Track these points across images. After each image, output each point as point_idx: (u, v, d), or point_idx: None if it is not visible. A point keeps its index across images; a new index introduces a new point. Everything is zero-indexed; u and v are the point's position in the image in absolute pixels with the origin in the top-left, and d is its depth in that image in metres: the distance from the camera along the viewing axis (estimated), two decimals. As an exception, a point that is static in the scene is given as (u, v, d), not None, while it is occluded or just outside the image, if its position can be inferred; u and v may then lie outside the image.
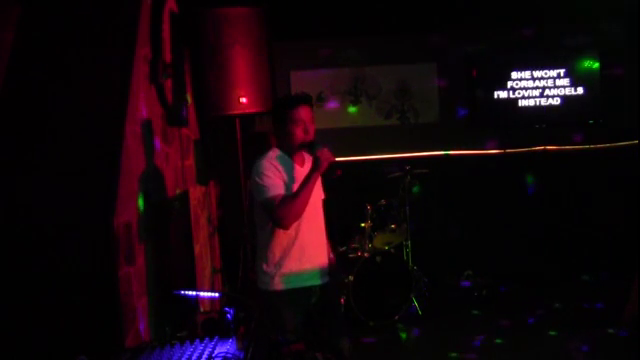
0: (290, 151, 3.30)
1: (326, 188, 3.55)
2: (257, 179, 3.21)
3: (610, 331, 5.02)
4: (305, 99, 3.29)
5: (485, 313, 5.79)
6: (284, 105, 3.32)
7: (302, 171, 3.24)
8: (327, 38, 6.78)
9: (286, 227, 3.18)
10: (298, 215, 3.16)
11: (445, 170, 6.75)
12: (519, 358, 4.80)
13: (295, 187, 3.19)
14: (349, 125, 6.98)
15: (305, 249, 3.27)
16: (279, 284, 3.26)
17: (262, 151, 3.39)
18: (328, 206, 3.56)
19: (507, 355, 4.84)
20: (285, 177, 3.22)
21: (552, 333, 5.16)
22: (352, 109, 6.95)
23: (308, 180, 3.13)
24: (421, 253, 6.23)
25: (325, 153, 3.13)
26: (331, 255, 3.59)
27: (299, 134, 3.24)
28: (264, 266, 3.30)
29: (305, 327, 3.27)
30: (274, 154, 3.30)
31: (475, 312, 5.85)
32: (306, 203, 3.15)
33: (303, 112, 3.24)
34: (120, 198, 2.71)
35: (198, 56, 4.55)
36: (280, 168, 3.23)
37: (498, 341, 5.08)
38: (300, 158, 3.32)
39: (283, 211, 3.13)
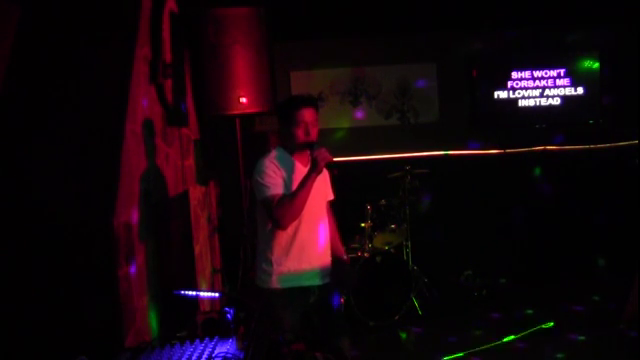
0: (293, 151, 3.31)
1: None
2: (258, 178, 3.25)
3: (610, 330, 5.02)
4: (308, 101, 3.32)
5: (485, 313, 5.79)
6: (287, 106, 3.34)
7: (305, 171, 3.25)
8: (327, 38, 6.78)
9: (284, 227, 3.22)
10: (295, 215, 3.19)
11: (445, 170, 6.75)
12: (519, 358, 4.80)
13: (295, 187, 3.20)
14: (349, 125, 6.98)
15: (304, 249, 3.28)
16: (277, 283, 3.29)
17: (262, 151, 3.42)
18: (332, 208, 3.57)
19: (508, 355, 4.84)
20: (286, 176, 3.24)
21: (552, 333, 5.16)
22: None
23: (306, 181, 3.15)
24: (421, 253, 6.23)
25: (322, 153, 3.14)
26: (345, 257, 3.62)
27: (300, 135, 3.26)
28: (263, 264, 3.33)
29: (304, 327, 3.28)
30: (277, 153, 3.33)
31: (475, 312, 5.84)
32: (304, 204, 3.17)
33: (306, 114, 3.26)
34: (120, 198, 2.71)
35: (198, 56, 4.56)
36: (281, 167, 3.25)
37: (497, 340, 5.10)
38: (304, 158, 3.32)
39: (280, 211, 3.17)
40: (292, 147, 3.31)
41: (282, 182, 3.22)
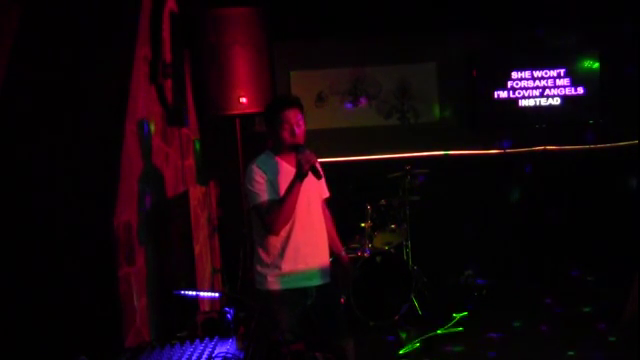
0: (281, 152, 3.31)
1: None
2: (248, 185, 3.28)
3: (610, 331, 5.01)
4: (291, 102, 3.32)
5: (485, 313, 5.79)
6: (271, 108, 3.36)
7: (293, 171, 3.23)
8: (327, 38, 6.78)
9: (276, 232, 3.24)
10: (286, 220, 3.20)
11: (445, 170, 6.75)
12: (519, 358, 4.80)
13: (284, 189, 3.20)
14: (349, 125, 6.98)
15: (300, 250, 3.29)
16: (273, 284, 3.29)
17: (262, 151, 3.41)
18: (328, 206, 3.56)
19: (508, 355, 4.84)
20: (274, 180, 3.25)
21: (552, 333, 5.16)
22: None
23: (292, 187, 3.16)
24: (421, 253, 6.23)
25: (306, 155, 3.14)
26: (343, 253, 3.63)
27: (286, 136, 3.26)
28: (258, 266, 3.34)
29: (303, 327, 3.28)
30: (265, 157, 3.34)
31: (475, 312, 5.84)
32: (293, 208, 3.19)
33: (290, 114, 3.25)
34: (120, 198, 2.71)
35: (198, 56, 4.56)
36: (269, 172, 3.26)
37: (498, 341, 5.09)
38: (292, 159, 3.28)
39: (271, 217, 3.19)
40: (279, 148, 3.31)
41: (271, 187, 3.23)
